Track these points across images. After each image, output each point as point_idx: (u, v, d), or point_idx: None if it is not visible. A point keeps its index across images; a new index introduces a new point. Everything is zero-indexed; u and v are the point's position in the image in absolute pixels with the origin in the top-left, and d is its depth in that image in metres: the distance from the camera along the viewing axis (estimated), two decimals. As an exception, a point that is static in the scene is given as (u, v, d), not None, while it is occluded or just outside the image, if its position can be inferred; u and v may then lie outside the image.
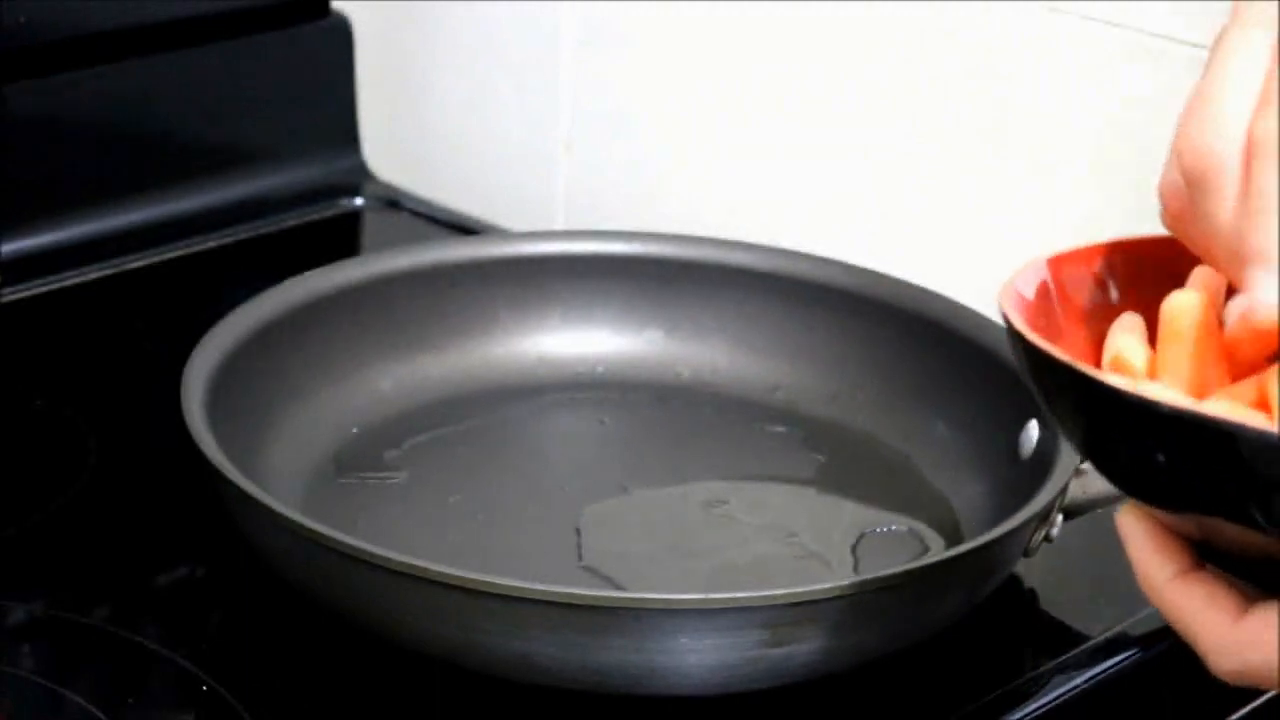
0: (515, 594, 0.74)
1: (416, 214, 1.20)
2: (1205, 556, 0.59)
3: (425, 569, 0.74)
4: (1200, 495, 0.54)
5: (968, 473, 0.89)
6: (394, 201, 1.21)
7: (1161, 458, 0.54)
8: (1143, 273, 0.66)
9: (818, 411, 0.96)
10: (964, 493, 0.89)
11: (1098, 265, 0.66)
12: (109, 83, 1.13)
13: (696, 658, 0.75)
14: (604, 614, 0.74)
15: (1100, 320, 0.65)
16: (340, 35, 1.22)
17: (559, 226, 1.21)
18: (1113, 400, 0.55)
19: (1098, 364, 0.63)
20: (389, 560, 0.75)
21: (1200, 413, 0.53)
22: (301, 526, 0.77)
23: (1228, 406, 0.55)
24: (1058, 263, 0.66)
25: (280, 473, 0.87)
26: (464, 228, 1.17)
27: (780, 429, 0.96)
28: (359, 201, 1.22)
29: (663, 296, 0.99)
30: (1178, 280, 0.63)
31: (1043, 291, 0.65)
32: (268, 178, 1.20)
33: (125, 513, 0.90)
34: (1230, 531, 0.56)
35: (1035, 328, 0.61)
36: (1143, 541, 0.58)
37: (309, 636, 0.81)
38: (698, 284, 0.99)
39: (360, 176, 1.23)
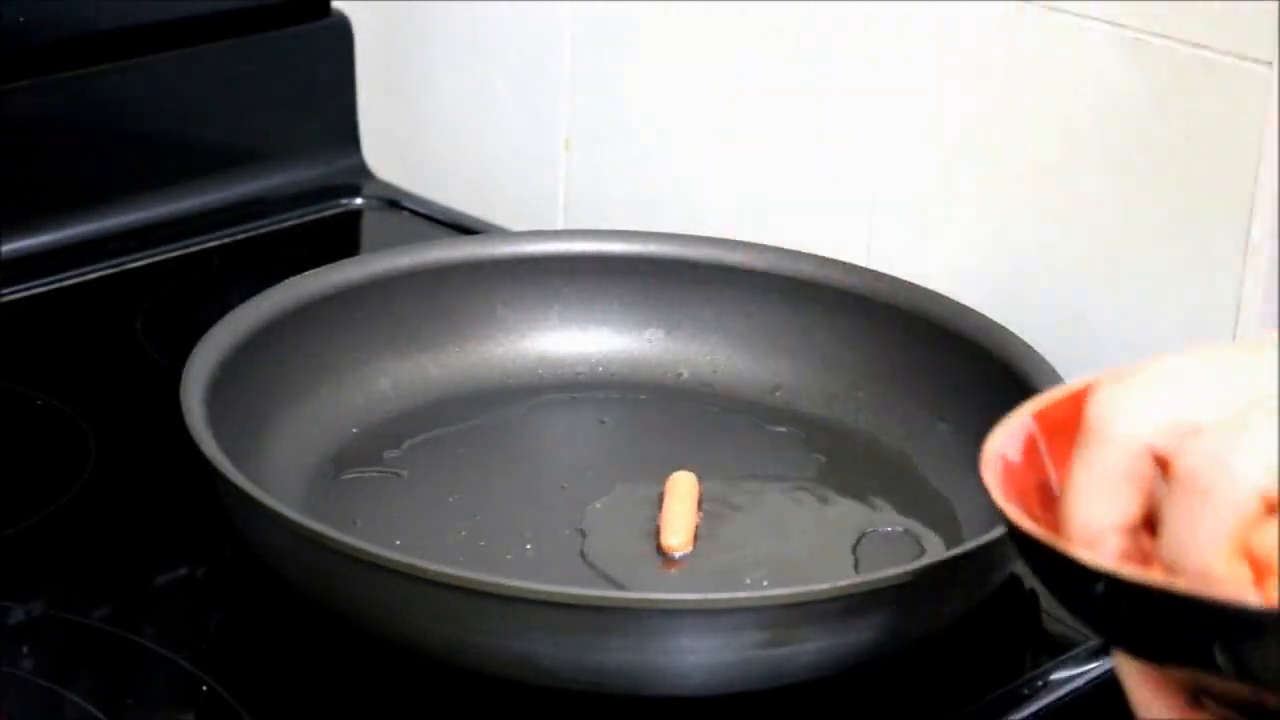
0: (515, 594, 0.74)
1: (416, 214, 1.20)
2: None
3: (425, 569, 0.74)
4: (1177, 654, 0.57)
5: (968, 473, 0.88)
6: (394, 201, 1.21)
7: (1135, 624, 0.58)
8: None
9: (818, 411, 0.96)
10: (964, 493, 0.89)
11: (1080, 407, 0.66)
12: (109, 83, 1.13)
13: (696, 658, 0.75)
14: (604, 614, 0.74)
15: None
16: (340, 35, 1.22)
17: (559, 226, 1.21)
18: (1084, 575, 0.58)
19: None
20: (389, 560, 0.75)
21: (1156, 585, 0.56)
22: (301, 526, 0.77)
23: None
24: (1043, 415, 0.66)
25: (280, 473, 0.88)
26: (464, 228, 1.17)
27: (780, 429, 0.96)
28: (359, 201, 1.22)
29: (663, 296, 0.99)
30: None
31: (1030, 446, 0.66)
32: (268, 178, 1.20)
33: (125, 513, 0.90)
34: (1214, 680, 0.58)
35: (1020, 488, 0.63)
36: (1139, 681, 0.60)
37: (309, 636, 0.81)
38: (698, 284, 0.99)
39: (360, 176, 1.23)
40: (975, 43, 1.00)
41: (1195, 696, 0.59)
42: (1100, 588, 0.57)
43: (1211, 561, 0.57)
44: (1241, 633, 0.55)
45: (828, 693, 0.78)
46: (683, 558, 0.86)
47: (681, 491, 0.88)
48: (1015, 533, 0.62)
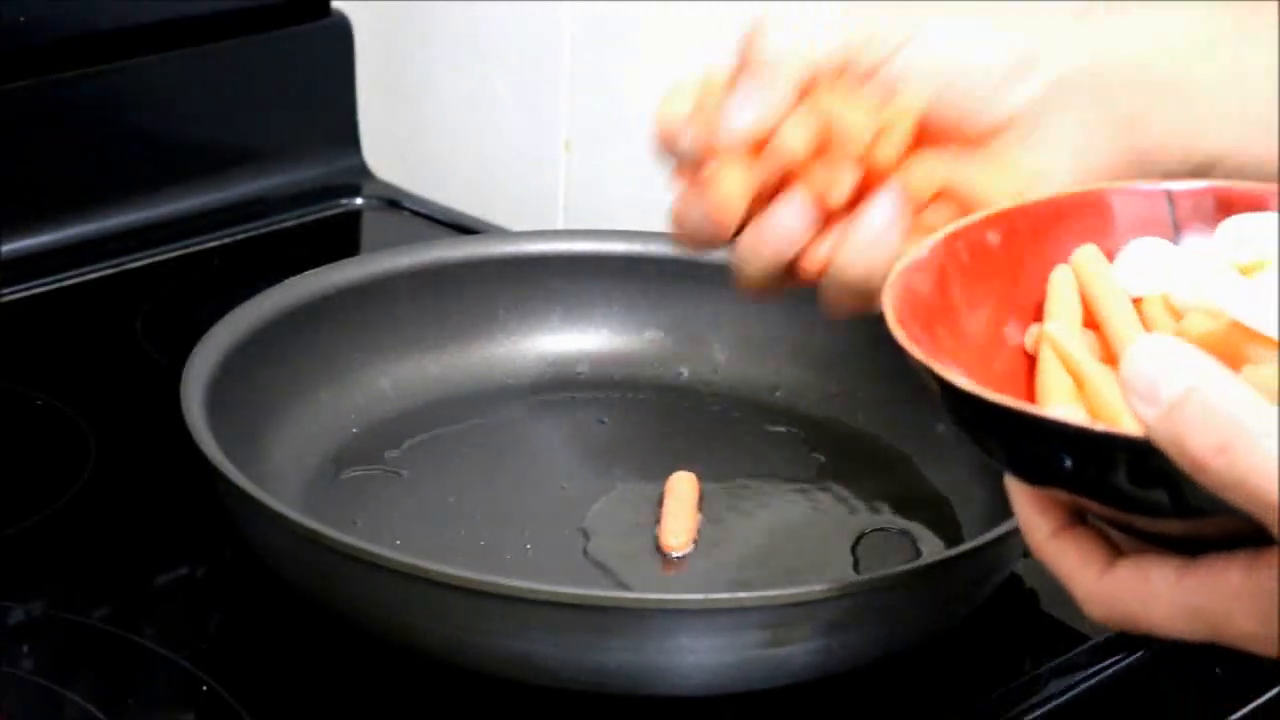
0: (516, 594, 0.74)
1: (416, 214, 1.20)
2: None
3: (425, 569, 0.74)
4: (1041, 476, 0.59)
5: (968, 473, 0.89)
6: (394, 201, 1.21)
7: (1006, 446, 0.59)
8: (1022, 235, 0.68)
9: (818, 411, 0.96)
10: (964, 493, 0.89)
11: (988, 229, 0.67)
12: (109, 83, 1.13)
13: (696, 658, 0.75)
14: (604, 614, 0.74)
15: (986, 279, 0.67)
16: (340, 35, 1.22)
17: (559, 226, 1.21)
18: (964, 399, 0.59)
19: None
20: (389, 560, 0.75)
21: (1010, 406, 0.57)
22: (301, 526, 0.77)
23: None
24: (951, 239, 0.67)
25: (280, 472, 0.88)
26: (464, 228, 1.17)
27: (780, 429, 0.96)
28: (359, 201, 1.22)
29: (663, 296, 0.99)
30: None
31: (940, 273, 0.66)
32: (268, 178, 1.20)
33: (125, 513, 0.90)
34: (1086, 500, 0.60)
35: (927, 318, 0.64)
36: (1025, 499, 0.61)
37: (309, 636, 0.81)
38: (698, 284, 0.99)
39: (360, 176, 1.23)
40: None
41: (1079, 515, 0.61)
42: (974, 411, 0.58)
43: None
44: (1091, 456, 0.56)
45: (828, 693, 0.78)
46: (683, 558, 0.86)
47: (681, 491, 0.88)
48: (916, 364, 0.62)
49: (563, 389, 0.98)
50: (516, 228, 1.18)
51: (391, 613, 0.76)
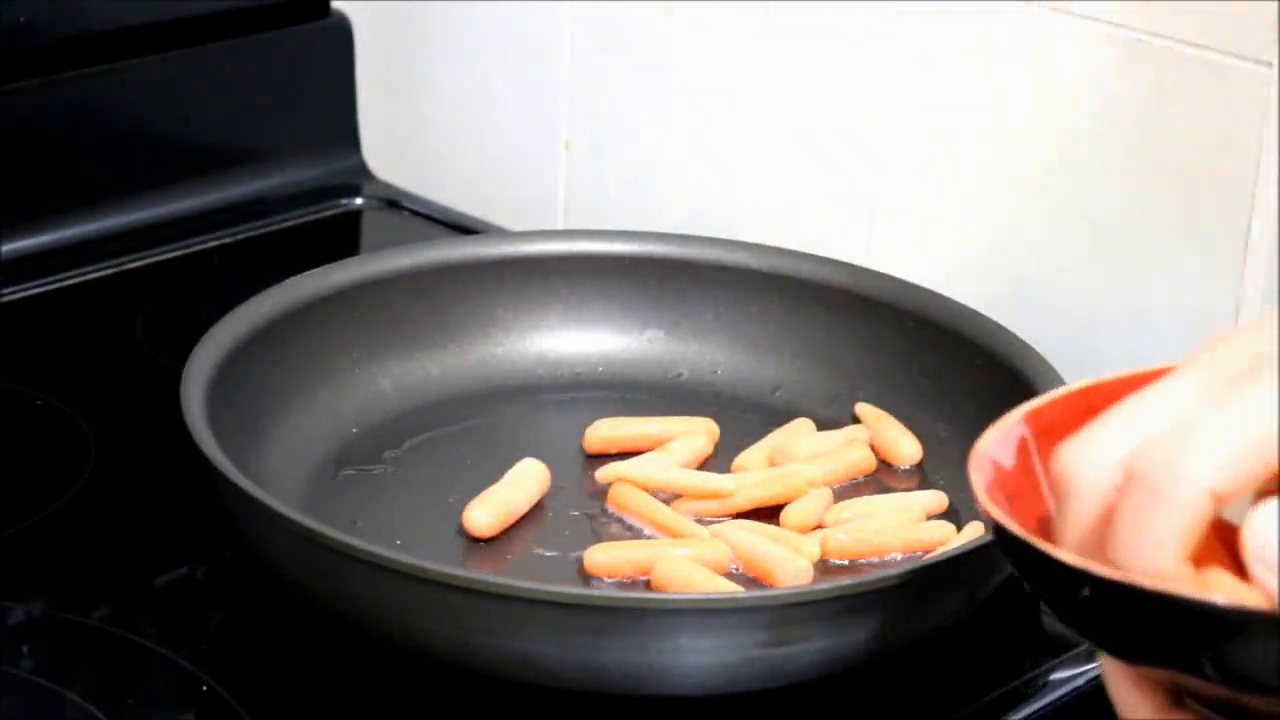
0: (515, 594, 0.74)
1: (416, 214, 1.20)
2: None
3: (425, 569, 0.74)
4: (1155, 654, 0.58)
5: (968, 473, 0.89)
6: (394, 201, 1.21)
7: (1116, 624, 0.58)
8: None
9: (818, 411, 0.96)
10: (964, 493, 0.88)
11: (1072, 409, 0.66)
12: (109, 83, 1.13)
13: (696, 658, 0.75)
14: (604, 614, 0.74)
15: None
16: (340, 35, 1.22)
17: (559, 226, 1.21)
18: (1067, 576, 0.58)
19: None
20: (389, 560, 0.75)
21: (1136, 585, 0.57)
22: (301, 526, 0.77)
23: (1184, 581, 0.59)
24: (1034, 417, 0.67)
25: (280, 472, 0.88)
26: (464, 228, 1.17)
27: (780, 429, 0.96)
28: (359, 201, 1.22)
29: (663, 296, 0.99)
30: None
31: (1022, 449, 0.66)
32: (268, 178, 1.20)
33: (125, 513, 0.90)
34: (1195, 681, 0.59)
35: (1010, 491, 0.64)
36: (1122, 681, 0.61)
37: (309, 636, 0.81)
38: (698, 284, 0.99)
39: (360, 176, 1.23)
40: (976, 43, 1.00)
41: (1177, 696, 0.60)
42: (1085, 590, 0.58)
43: (1161, 562, 0.58)
44: (1216, 634, 0.56)
45: (828, 693, 0.78)
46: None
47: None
48: (1002, 535, 0.62)
49: (563, 389, 0.98)
50: (516, 228, 1.18)
51: (391, 613, 0.76)
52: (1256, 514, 0.55)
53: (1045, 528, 0.63)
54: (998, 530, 0.62)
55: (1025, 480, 0.65)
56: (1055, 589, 0.60)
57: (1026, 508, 0.64)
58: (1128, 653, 0.59)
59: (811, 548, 0.84)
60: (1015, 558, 0.61)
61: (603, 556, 0.83)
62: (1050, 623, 0.84)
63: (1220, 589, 0.58)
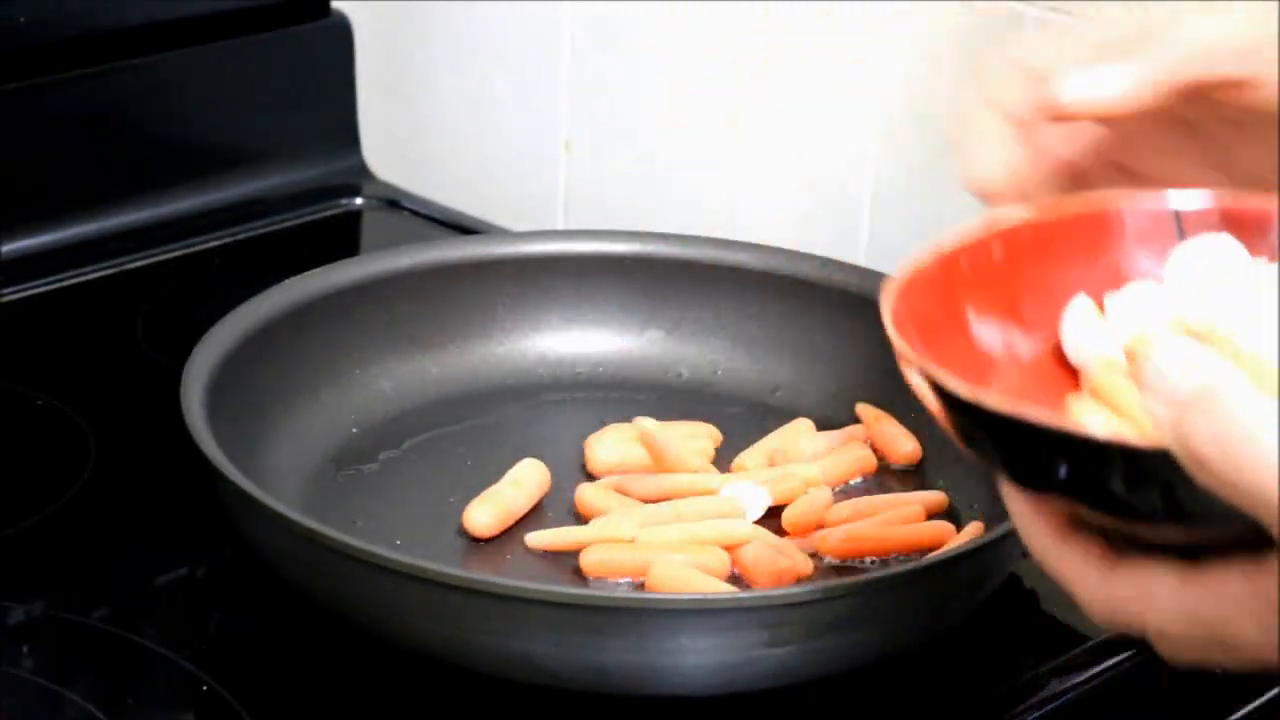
0: (515, 594, 0.74)
1: (416, 214, 1.20)
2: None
3: (425, 569, 0.74)
4: (1049, 484, 0.59)
5: (968, 473, 0.89)
6: (394, 201, 1.21)
7: (1013, 455, 0.59)
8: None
9: (818, 411, 0.95)
10: (964, 493, 0.89)
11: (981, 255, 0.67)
12: (109, 83, 1.13)
13: (696, 658, 0.75)
14: (604, 614, 0.74)
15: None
16: (340, 35, 1.22)
17: (559, 226, 1.21)
18: (960, 405, 0.59)
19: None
20: (389, 560, 0.75)
21: (1015, 415, 0.57)
22: (301, 526, 0.77)
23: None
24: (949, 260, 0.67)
25: (280, 473, 0.88)
26: (464, 228, 1.17)
27: (780, 429, 0.96)
28: (359, 201, 1.22)
29: (663, 296, 0.99)
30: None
31: (944, 289, 0.66)
32: (268, 178, 1.20)
33: (125, 513, 0.90)
34: (1086, 510, 0.60)
35: (924, 326, 0.64)
36: (1022, 507, 0.61)
37: (309, 636, 0.81)
38: (698, 284, 0.99)
39: (360, 176, 1.23)
40: (976, 43, 1.01)
41: (1074, 523, 0.61)
42: (977, 420, 0.59)
43: None
44: (1094, 465, 0.56)
45: (828, 693, 0.78)
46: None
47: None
48: (914, 369, 0.61)
49: (563, 389, 0.98)
50: (516, 228, 1.18)
51: (391, 613, 0.76)
52: (1153, 349, 0.57)
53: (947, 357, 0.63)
54: (900, 357, 0.62)
55: (943, 315, 0.65)
56: (955, 418, 0.60)
57: (945, 342, 0.64)
58: (1022, 479, 0.60)
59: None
60: (933, 392, 0.61)
61: (596, 557, 0.83)
62: (1050, 623, 0.84)
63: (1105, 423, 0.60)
